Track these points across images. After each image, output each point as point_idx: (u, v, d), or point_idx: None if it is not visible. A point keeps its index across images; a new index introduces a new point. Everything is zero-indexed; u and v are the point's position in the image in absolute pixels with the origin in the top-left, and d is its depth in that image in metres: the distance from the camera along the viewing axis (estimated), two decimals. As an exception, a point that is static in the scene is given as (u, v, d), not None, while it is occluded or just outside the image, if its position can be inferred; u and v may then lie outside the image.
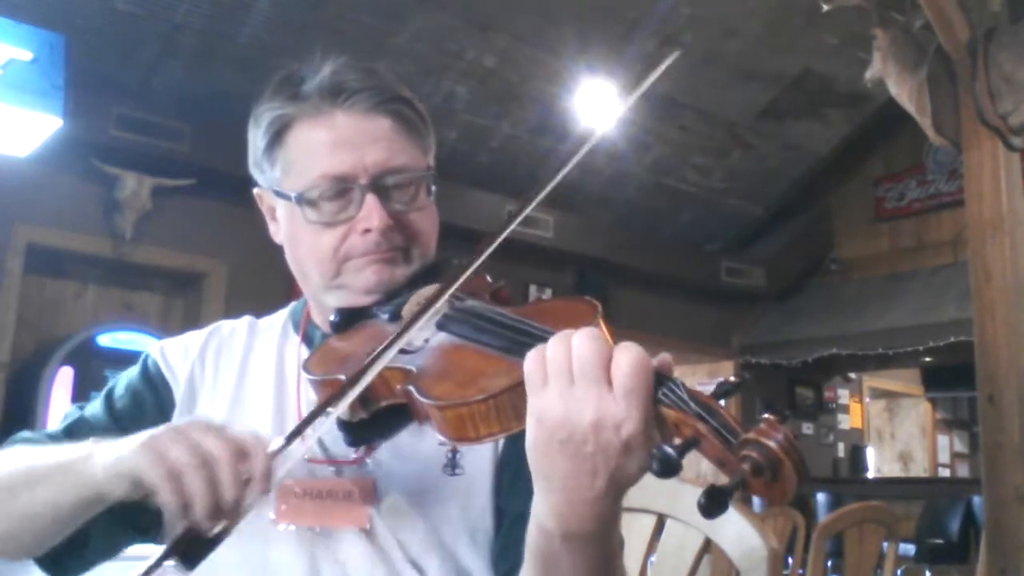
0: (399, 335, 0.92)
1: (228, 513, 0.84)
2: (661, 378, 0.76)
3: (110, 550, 1.13)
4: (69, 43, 4.27)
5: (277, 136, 1.13)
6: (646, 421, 0.74)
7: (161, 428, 0.91)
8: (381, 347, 0.91)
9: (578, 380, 0.75)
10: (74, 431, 1.18)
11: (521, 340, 0.85)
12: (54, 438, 1.17)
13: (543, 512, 0.82)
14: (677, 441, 0.73)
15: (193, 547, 0.84)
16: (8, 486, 1.02)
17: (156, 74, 5.33)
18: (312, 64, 1.14)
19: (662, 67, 0.96)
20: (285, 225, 1.17)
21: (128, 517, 1.06)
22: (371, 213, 1.09)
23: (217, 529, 0.85)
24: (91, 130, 4.90)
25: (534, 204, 1.00)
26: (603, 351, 0.76)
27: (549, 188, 0.98)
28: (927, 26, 3.71)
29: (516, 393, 0.80)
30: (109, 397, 1.22)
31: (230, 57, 5.34)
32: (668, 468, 0.69)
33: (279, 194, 1.15)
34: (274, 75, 1.16)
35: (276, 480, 0.87)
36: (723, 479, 0.71)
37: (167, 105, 5.27)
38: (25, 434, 1.18)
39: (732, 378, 0.77)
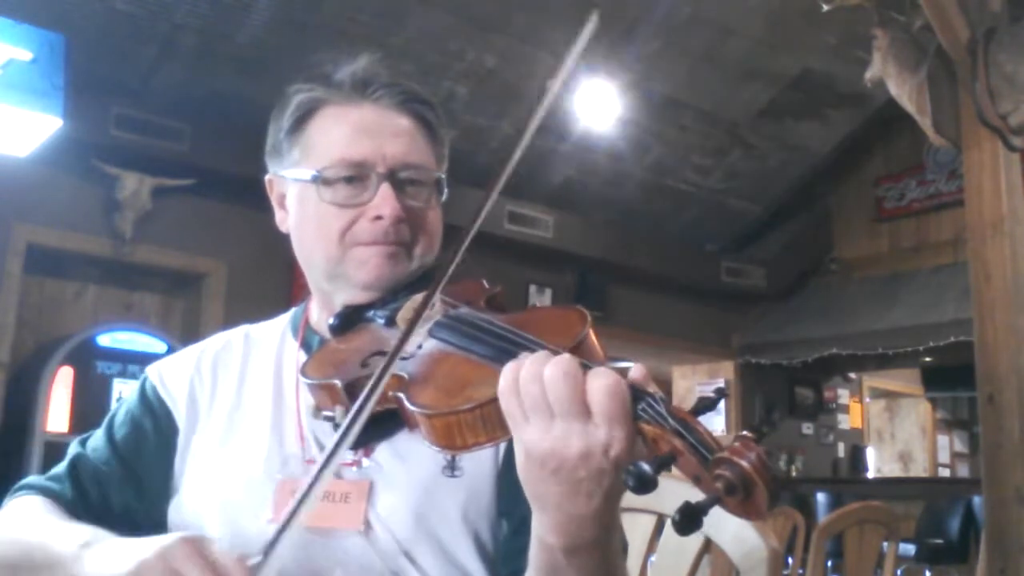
0: (392, 356, 0.89)
1: None
2: (638, 393, 0.76)
3: None
4: (69, 43, 4.27)
5: (303, 118, 1.16)
6: (631, 439, 0.76)
7: (152, 553, 0.87)
8: (375, 374, 0.88)
9: (557, 416, 0.76)
10: (78, 470, 1.17)
11: (509, 349, 0.85)
12: (58, 480, 1.17)
13: (543, 529, 0.82)
14: (655, 456, 0.73)
15: None
16: (12, 562, 1.02)
17: (156, 74, 5.33)
18: (348, 58, 1.18)
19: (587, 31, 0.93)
20: (295, 209, 1.18)
21: None
22: (384, 201, 1.11)
23: None
24: (91, 130, 4.90)
25: (495, 193, 0.99)
26: (576, 386, 0.76)
27: (510, 169, 0.98)
28: (927, 26, 3.70)
29: None
30: (110, 427, 1.22)
31: (230, 57, 5.34)
32: (644, 484, 0.70)
33: (294, 178, 1.16)
34: (273, 75, 1.19)
35: None
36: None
37: (167, 105, 5.27)
38: (29, 481, 1.18)
39: (711, 393, 0.77)
